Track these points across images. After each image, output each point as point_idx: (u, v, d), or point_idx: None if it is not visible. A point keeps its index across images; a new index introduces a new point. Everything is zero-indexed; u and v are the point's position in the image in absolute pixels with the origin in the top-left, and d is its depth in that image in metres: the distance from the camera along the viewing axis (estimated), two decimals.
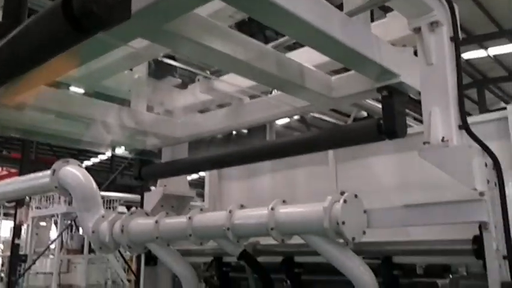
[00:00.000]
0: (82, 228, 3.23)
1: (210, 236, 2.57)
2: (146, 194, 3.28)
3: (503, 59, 12.06)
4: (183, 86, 3.23)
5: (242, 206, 2.49)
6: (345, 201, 2.02)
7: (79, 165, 3.47)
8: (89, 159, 29.38)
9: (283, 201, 2.30)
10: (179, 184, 3.32)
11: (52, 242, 24.51)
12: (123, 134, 3.05)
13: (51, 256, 25.49)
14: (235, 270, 2.96)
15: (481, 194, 1.82)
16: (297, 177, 3.31)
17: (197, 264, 3.30)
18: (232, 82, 2.60)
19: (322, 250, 2.13)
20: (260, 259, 2.64)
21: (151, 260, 3.20)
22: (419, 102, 2.02)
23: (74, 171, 3.32)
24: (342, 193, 2.08)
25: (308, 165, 3.25)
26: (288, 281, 2.62)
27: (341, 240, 2.11)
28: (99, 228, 3.08)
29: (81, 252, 25.55)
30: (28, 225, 26.55)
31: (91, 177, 3.32)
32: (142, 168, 3.10)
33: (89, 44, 1.28)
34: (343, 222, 1.97)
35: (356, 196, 2.08)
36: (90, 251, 25.17)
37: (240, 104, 2.67)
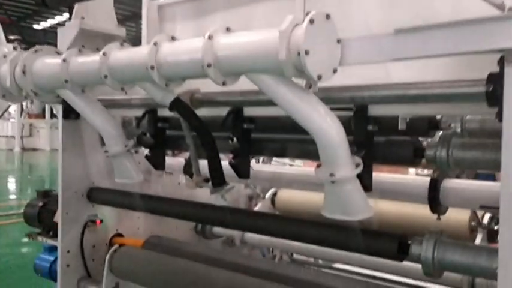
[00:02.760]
0: None
1: (131, 78, 1.94)
2: (59, 29, 2.56)
3: None
4: None
5: (173, 38, 1.83)
6: (311, 21, 1.38)
7: None
8: (45, 20, 27.27)
9: (227, 29, 1.65)
10: (102, 17, 2.58)
11: (10, 105, 23.74)
12: None
13: (11, 120, 25.00)
14: (173, 126, 2.39)
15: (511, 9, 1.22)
16: (256, 15, 2.61)
17: (129, 120, 2.74)
18: None
19: (276, 94, 1.54)
20: (201, 113, 2.07)
21: (71, 112, 2.59)
22: None
23: None
24: (308, 14, 1.43)
25: None
26: (235, 139, 2.08)
27: (303, 83, 1.53)
28: None
29: (43, 117, 25.11)
30: None
31: None
32: None
33: None
34: (307, 52, 1.36)
35: (328, 17, 1.44)
36: (52, 116, 24.69)
37: None
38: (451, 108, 1.51)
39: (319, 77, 1.40)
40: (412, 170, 4.47)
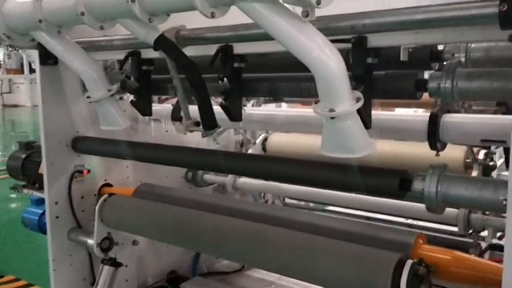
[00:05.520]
0: None
1: (110, 14, 1.78)
2: None
3: None
4: None
5: None
6: None
7: None
8: None
9: None
10: None
11: None
12: None
13: None
14: (159, 69, 2.25)
15: None
16: None
17: (111, 64, 2.58)
18: None
19: (270, 25, 1.42)
20: (187, 53, 1.93)
21: (49, 57, 2.43)
22: None
23: None
24: None
25: None
26: (225, 79, 1.96)
27: (299, 12, 1.41)
28: None
29: (22, 72, 24.36)
30: None
31: None
32: None
33: None
34: None
35: None
36: (31, 70, 24.01)
37: None
38: (458, 34, 1.41)
39: (318, 2, 1.28)
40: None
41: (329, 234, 1.90)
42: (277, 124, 2.60)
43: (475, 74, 1.51)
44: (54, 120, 2.55)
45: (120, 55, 2.28)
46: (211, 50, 1.95)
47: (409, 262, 1.56)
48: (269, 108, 2.87)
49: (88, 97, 2.22)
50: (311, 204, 3.88)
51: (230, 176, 3.29)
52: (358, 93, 1.50)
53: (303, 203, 3.83)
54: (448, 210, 2.35)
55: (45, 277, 2.73)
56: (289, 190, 3.28)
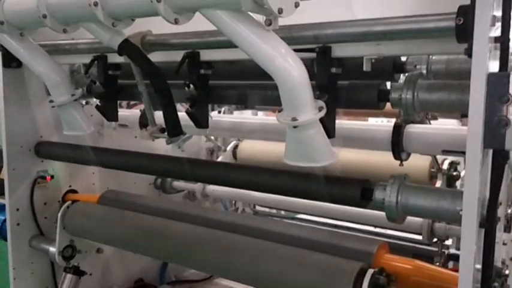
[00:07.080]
0: None
1: (73, 17, 1.75)
2: None
3: None
4: None
5: None
6: None
7: None
8: None
9: None
10: None
11: None
12: None
13: None
14: (125, 74, 2.22)
15: None
16: None
17: (77, 68, 2.54)
18: None
19: (233, 33, 1.41)
20: (153, 58, 1.91)
21: (12, 60, 2.37)
22: None
23: None
24: None
25: None
26: (192, 85, 1.95)
27: (262, 20, 1.41)
28: None
29: None
30: None
31: None
32: None
33: None
34: None
35: None
36: None
37: None
38: (418, 47, 1.43)
39: (280, 11, 1.29)
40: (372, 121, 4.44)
41: (294, 243, 1.90)
42: (244, 132, 2.59)
43: (435, 86, 1.54)
44: (17, 124, 2.49)
45: (86, 59, 2.23)
46: (178, 56, 1.93)
47: (370, 271, 1.57)
48: (237, 116, 2.86)
49: (51, 101, 2.17)
50: (282, 212, 3.88)
51: (199, 183, 3.26)
52: (321, 103, 1.51)
53: (274, 210, 3.82)
54: (413, 219, 2.39)
55: (6, 286, 2.64)
56: (260, 198, 3.26)
